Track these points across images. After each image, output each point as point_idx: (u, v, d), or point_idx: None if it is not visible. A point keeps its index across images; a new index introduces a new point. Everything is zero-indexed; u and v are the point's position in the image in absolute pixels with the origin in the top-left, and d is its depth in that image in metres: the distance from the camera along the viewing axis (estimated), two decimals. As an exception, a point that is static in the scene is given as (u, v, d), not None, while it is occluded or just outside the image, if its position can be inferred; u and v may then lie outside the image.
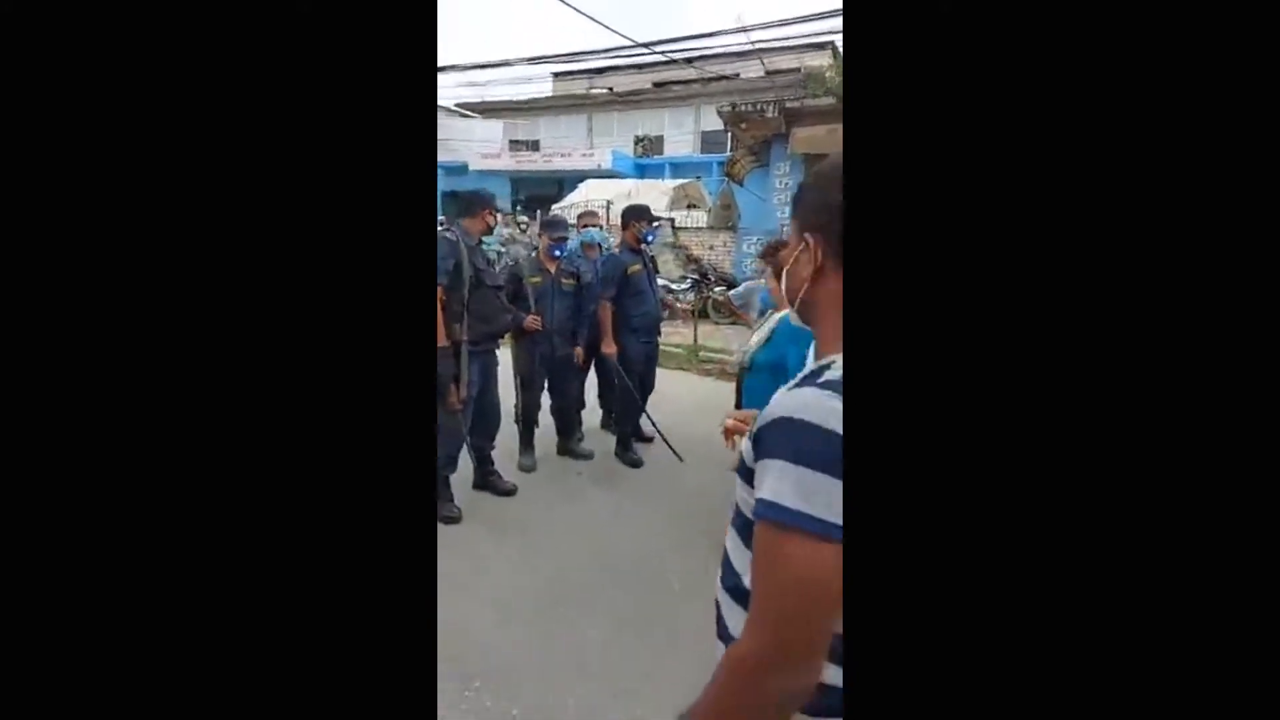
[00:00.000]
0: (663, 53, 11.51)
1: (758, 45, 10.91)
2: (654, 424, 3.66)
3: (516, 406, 3.44)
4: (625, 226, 3.57)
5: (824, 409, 0.59)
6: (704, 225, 10.68)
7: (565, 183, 14.15)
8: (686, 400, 4.79)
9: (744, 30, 10.72)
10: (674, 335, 7.13)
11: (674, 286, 9.13)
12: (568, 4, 8.46)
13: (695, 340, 6.96)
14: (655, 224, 3.74)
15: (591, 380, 3.91)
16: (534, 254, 3.42)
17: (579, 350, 3.60)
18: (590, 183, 12.64)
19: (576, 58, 12.94)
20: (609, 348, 3.47)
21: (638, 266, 3.50)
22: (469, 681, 1.87)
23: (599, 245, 3.87)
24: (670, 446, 3.60)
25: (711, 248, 10.18)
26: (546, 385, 3.54)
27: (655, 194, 11.40)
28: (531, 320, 3.23)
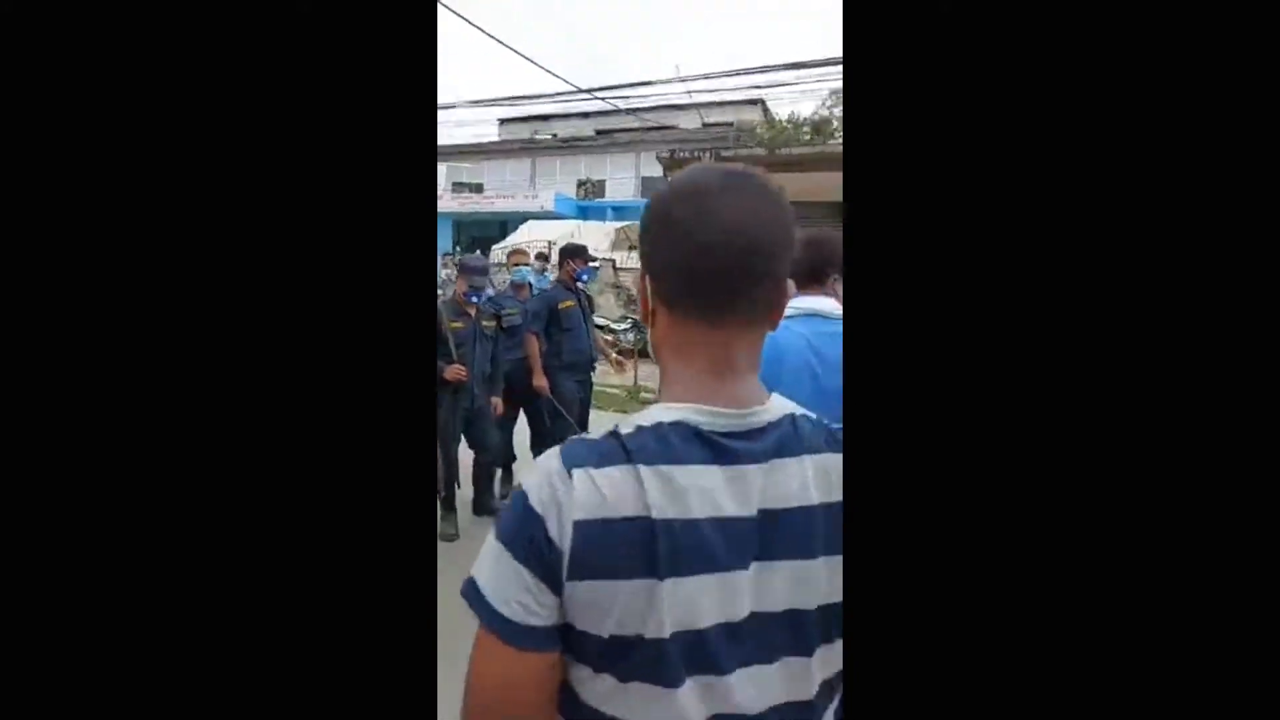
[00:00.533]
0: (604, 99, 11.83)
1: (694, 97, 11.36)
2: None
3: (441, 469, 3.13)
4: (561, 265, 3.51)
5: (544, 476, 0.49)
6: (646, 267, 10.75)
7: (509, 224, 14.10)
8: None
9: (681, 80, 11.15)
10: (611, 376, 7.06)
11: (615, 326, 9.12)
12: (511, 48, 8.58)
13: (635, 381, 6.89)
14: (593, 264, 3.70)
15: (522, 428, 3.73)
16: (454, 297, 3.19)
17: (496, 401, 3.35)
18: (532, 224, 12.63)
19: (519, 101, 13.12)
20: (539, 380, 3.34)
21: (570, 303, 3.41)
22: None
23: (529, 285, 3.76)
24: None
25: (652, 289, 10.22)
26: (464, 440, 3.25)
27: (598, 235, 11.50)
28: (453, 371, 2.99)
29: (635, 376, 6.97)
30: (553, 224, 12.58)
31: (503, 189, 16.19)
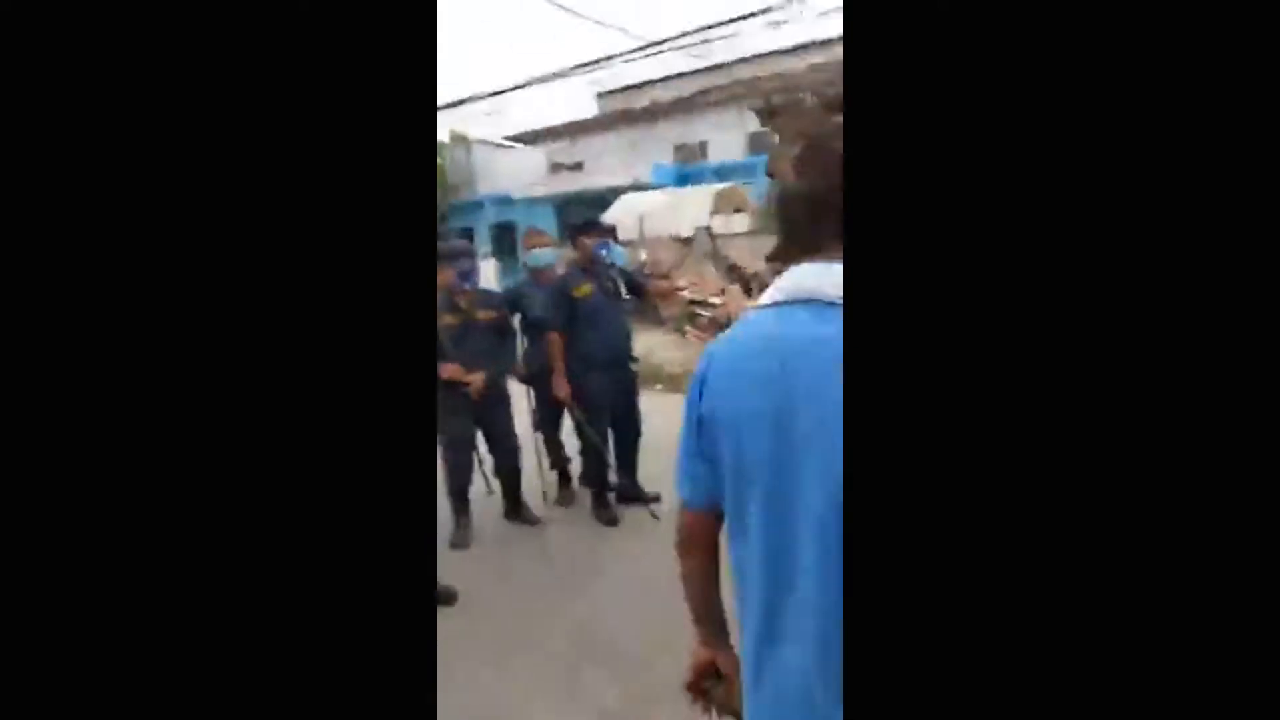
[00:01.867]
0: (689, 51, 10.96)
1: (784, 36, 10.13)
2: (619, 478, 3.03)
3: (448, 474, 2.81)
4: (573, 242, 2.99)
5: None
6: (748, 230, 9.90)
7: (610, 200, 13.81)
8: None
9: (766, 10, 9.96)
10: (680, 349, 6.41)
11: (714, 301, 8.42)
12: (576, 13, 8.07)
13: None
14: (609, 236, 3.12)
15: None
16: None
17: (477, 379, 2.77)
18: (626, 198, 12.18)
19: (596, 66, 12.63)
20: (559, 387, 2.88)
21: (587, 288, 2.88)
22: None
23: (548, 269, 3.22)
24: (645, 500, 2.99)
25: (758, 255, 9.40)
26: (485, 442, 2.94)
27: (698, 201, 10.78)
28: (452, 370, 2.62)
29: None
30: (644, 196, 12.04)
31: (605, 164, 15.90)
